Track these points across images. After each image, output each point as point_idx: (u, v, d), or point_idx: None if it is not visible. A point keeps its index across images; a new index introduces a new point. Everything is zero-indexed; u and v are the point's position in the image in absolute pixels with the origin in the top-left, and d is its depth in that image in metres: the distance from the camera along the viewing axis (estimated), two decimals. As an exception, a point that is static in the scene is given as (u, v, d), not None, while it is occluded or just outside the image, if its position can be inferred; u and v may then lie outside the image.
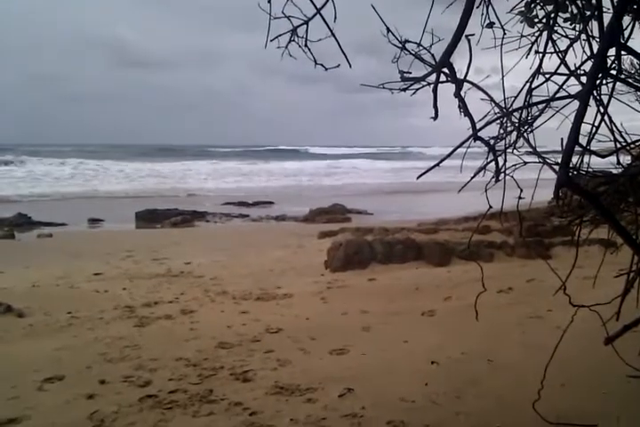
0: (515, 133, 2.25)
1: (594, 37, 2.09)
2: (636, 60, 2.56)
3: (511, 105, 2.24)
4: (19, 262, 10.27)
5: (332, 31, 2.24)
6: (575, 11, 2.22)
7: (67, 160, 42.08)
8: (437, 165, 2.05)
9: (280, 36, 2.38)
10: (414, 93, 2.33)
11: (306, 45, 2.40)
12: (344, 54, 2.32)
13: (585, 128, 1.89)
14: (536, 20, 2.33)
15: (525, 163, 2.15)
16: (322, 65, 2.46)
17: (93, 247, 12.37)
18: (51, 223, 17.26)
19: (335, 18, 2.25)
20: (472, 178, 2.14)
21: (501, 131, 2.27)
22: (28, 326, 5.90)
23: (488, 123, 2.19)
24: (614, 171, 2.41)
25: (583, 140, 1.92)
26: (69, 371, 4.45)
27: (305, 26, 2.37)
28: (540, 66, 2.20)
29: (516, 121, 2.24)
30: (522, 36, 2.33)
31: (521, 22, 2.36)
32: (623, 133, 2.15)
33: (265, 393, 3.94)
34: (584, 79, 2.03)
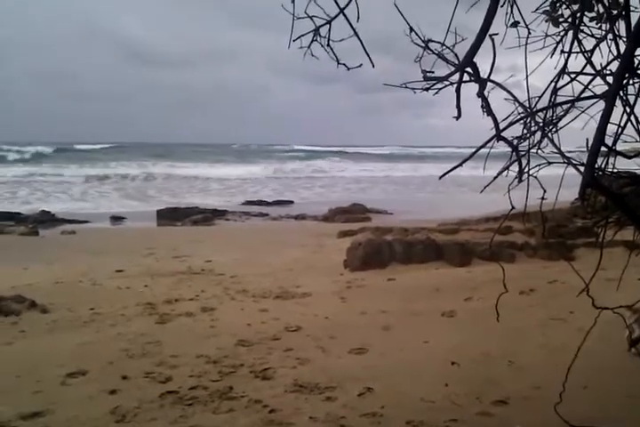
0: (539, 134, 2.23)
1: (621, 37, 2.07)
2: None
3: (535, 105, 2.23)
4: (42, 259, 10.43)
5: (355, 31, 2.25)
6: (601, 10, 2.20)
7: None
8: (460, 165, 2.05)
9: (303, 35, 2.40)
10: (437, 93, 2.33)
11: (328, 45, 2.41)
12: (367, 54, 2.33)
13: (611, 128, 1.88)
14: (561, 19, 2.31)
15: (550, 163, 2.13)
16: (344, 65, 2.47)
17: (115, 245, 12.53)
18: (73, 220, 17.49)
19: (358, 18, 2.26)
20: (495, 178, 2.13)
21: (525, 131, 2.26)
22: (52, 321, 6.00)
23: (512, 123, 2.18)
24: (640, 172, 2.38)
25: (609, 141, 1.91)
26: (92, 366, 4.51)
27: (327, 25, 2.38)
28: (565, 66, 2.19)
29: (541, 121, 2.23)
30: (546, 35, 2.31)
31: (546, 22, 2.34)
32: (650, 134, 2.12)
33: (284, 391, 3.96)
34: (610, 79, 2.01)
